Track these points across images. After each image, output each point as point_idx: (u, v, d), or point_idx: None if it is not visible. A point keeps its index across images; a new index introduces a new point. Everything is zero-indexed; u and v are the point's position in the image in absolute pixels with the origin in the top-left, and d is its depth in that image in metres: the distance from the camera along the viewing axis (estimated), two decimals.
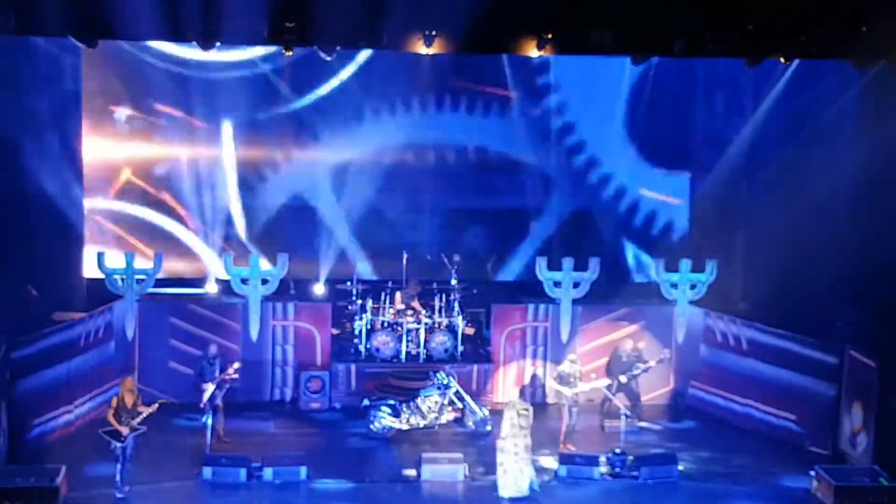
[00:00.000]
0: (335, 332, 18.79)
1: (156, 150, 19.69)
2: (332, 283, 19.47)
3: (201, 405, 16.13)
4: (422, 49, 15.21)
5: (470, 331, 18.78)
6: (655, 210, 20.70)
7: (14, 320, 15.59)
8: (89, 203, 19.26)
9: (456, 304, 18.53)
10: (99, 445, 15.64)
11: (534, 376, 18.60)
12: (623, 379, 17.07)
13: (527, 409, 14.59)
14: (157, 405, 14.44)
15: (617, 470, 15.16)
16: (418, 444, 16.10)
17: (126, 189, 19.62)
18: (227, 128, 19.79)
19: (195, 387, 16.29)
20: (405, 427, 16.57)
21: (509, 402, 14.90)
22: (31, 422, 15.44)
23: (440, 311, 18.33)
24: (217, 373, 16.41)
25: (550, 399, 18.24)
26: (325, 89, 19.82)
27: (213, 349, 16.64)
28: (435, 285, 18.82)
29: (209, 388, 16.13)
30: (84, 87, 18.97)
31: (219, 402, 16.03)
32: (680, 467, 15.30)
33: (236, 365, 16.36)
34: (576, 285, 18.43)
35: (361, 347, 18.23)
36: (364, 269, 19.61)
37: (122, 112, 19.38)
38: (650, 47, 15.71)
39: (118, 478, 13.99)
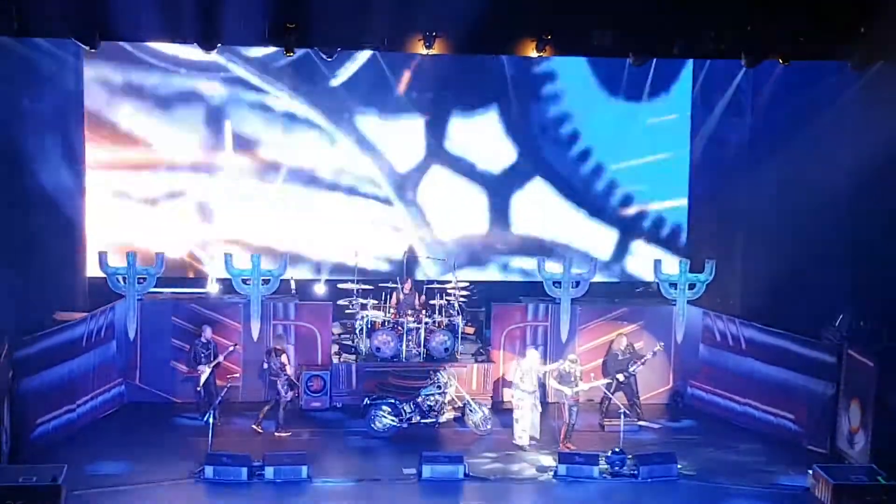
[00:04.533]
0: (336, 331, 18.83)
1: (157, 150, 19.76)
2: (333, 283, 19.51)
3: (197, 388, 16.72)
4: (422, 49, 15.25)
5: (470, 330, 18.82)
6: (655, 210, 20.77)
7: (16, 320, 15.65)
8: (91, 203, 19.32)
9: (456, 304, 18.58)
10: (100, 445, 15.81)
11: None
12: (621, 378, 17.14)
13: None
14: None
15: (616, 469, 15.21)
16: (418, 443, 16.15)
17: (127, 189, 19.73)
18: (227, 127, 19.85)
19: (190, 372, 16.95)
20: (405, 426, 16.64)
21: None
22: (33, 421, 15.48)
23: (440, 311, 18.38)
24: (212, 357, 16.65)
25: (551, 398, 18.26)
26: (326, 89, 19.91)
27: (207, 333, 16.98)
28: (435, 285, 18.87)
29: (204, 371, 16.66)
30: (85, 87, 19.03)
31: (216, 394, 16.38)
32: (679, 466, 15.34)
33: (231, 348, 16.84)
34: (575, 285, 18.49)
35: (362, 347, 18.28)
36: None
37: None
38: (650, 47, 15.74)
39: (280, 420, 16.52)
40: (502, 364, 18.39)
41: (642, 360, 17.17)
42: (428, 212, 20.55)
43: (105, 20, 14.36)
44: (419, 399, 16.79)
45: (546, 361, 18.47)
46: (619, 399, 16.72)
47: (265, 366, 17.03)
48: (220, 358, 16.86)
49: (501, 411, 17.63)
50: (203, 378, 16.70)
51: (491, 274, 20.73)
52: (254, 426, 16.59)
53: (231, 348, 16.94)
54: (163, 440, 16.17)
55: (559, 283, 18.39)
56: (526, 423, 16.32)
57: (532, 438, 16.37)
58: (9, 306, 15.71)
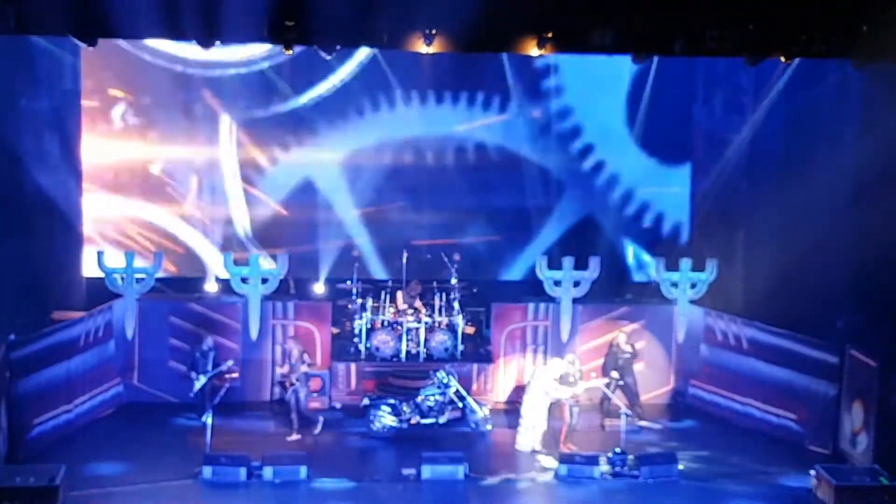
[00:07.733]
0: (335, 331, 18.77)
1: (155, 149, 19.69)
2: (332, 283, 19.45)
3: (192, 394, 16.52)
4: (422, 48, 15.18)
5: (470, 330, 18.75)
6: (656, 209, 20.71)
7: (13, 319, 15.58)
8: (88, 202, 19.25)
9: (456, 303, 18.52)
10: (98, 445, 15.74)
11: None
12: (615, 375, 17.10)
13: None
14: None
15: (617, 469, 15.15)
16: (418, 443, 16.08)
17: (126, 188, 19.65)
18: (226, 126, 19.79)
19: (185, 375, 16.75)
20: (405, 426, 16.57)
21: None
22: (31, 421, 15.42)
23: (440, 311, 18.32)
24: (210, 366, 16.54)
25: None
26: (324, 87, 19.82)
27: (208, 341, 16.87)
28: (435, 284, 18.81)
29: (200, 379, 16.47)
30: (83, 86, 18.97)
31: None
32: (680, 467, 15.28)
33: (230, 363, 16.63)
34: (576, 284, 18.42)
35: (361, 347, 18.22)
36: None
37: None
38: (650, 47, 15.67)
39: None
40: (503, 364, 18.35)
41: (631, 353, 17.25)
42: None
43: (103, 17, 14.26)
44: (419, 399, 16.74)
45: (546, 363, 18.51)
46: (619, 399, 16.66)
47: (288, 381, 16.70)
48: (223, 366, 16.59)
49: (505, 413, 17.58)
50: (197, 386, 16.52)
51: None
52: (296, 436, 16.47)
53: (225, 367, 16.66)
54: (161, 440, 16.11)
55: (559, 282, 18.36)
56: (538, 433, 16.08)
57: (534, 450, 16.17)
58: (6, 305, 15.65)
